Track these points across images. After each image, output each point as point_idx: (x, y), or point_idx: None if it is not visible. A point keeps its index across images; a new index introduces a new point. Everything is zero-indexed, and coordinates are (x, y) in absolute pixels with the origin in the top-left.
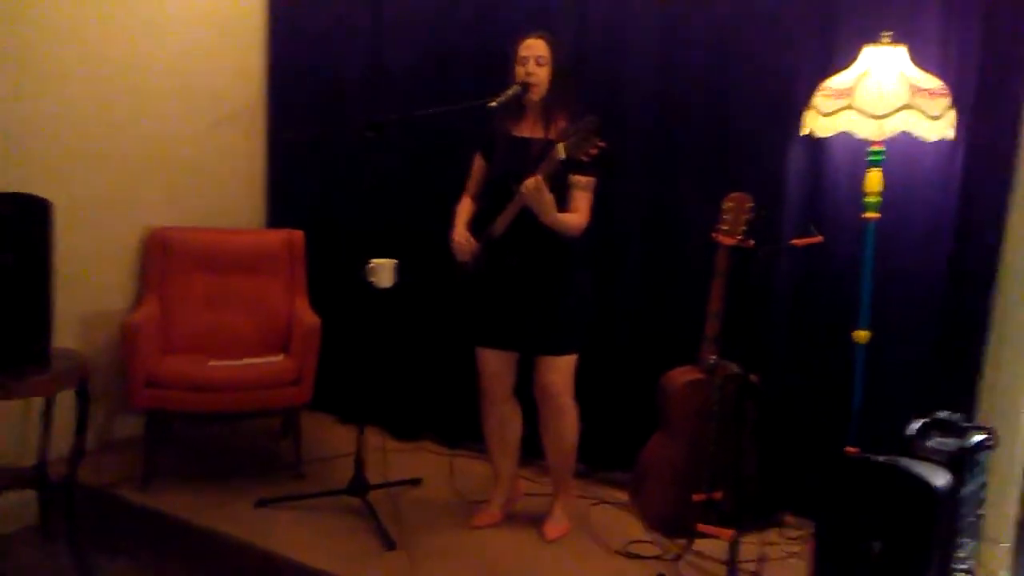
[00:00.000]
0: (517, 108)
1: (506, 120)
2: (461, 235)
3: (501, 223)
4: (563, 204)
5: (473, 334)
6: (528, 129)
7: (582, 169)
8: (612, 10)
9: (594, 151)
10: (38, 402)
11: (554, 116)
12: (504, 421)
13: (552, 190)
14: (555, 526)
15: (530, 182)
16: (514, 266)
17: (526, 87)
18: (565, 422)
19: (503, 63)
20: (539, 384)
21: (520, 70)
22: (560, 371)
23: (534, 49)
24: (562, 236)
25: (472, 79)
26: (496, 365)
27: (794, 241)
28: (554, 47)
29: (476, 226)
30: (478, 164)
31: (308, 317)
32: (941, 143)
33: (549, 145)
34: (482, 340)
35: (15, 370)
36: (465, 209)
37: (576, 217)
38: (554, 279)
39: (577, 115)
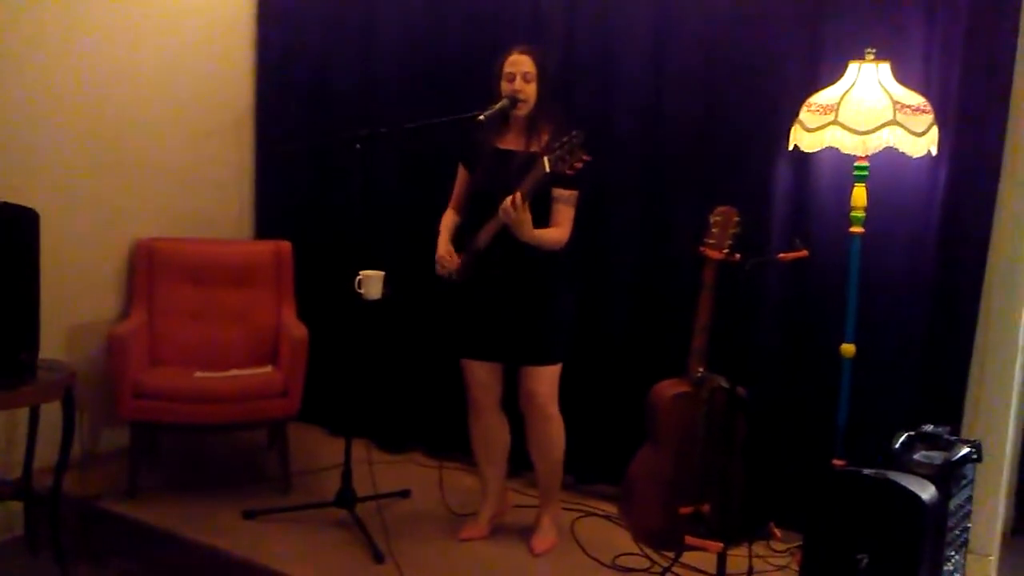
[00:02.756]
0: (501, 121)
1: (489, 132)
2: (444, 250)
3: (484, 236)
4: (545, 217)
5: (458, 346)
6: (512, 142)
7: (565, 183)
8: (600, 24)
9: (579, 164)
10: (24, 413)
11: (538, 129)
12: (491, 432)
13: (534, 203)
14: (542, 539)
15: (507, 203)
16: (496, 277)
17: (514, 102)
18: (551, 431)
19: (492, 74)
20: (524, 394)
21: (506, 86)
22: (544, 381)
23: (521, 65)
24: (543, 249)
25: (461, 91)
26: (482, 376)
27: (780, 255)
28: (540, 62)
29: (460, 238)
30: (461, 176)
31: (296, 329)
32: (925, 159)
33: (531, 158)
34: (467, 352)
35: (1, 381)
36: (449, 222)
37: (557, 231)
38: (537, 290)
39: (561, 127)
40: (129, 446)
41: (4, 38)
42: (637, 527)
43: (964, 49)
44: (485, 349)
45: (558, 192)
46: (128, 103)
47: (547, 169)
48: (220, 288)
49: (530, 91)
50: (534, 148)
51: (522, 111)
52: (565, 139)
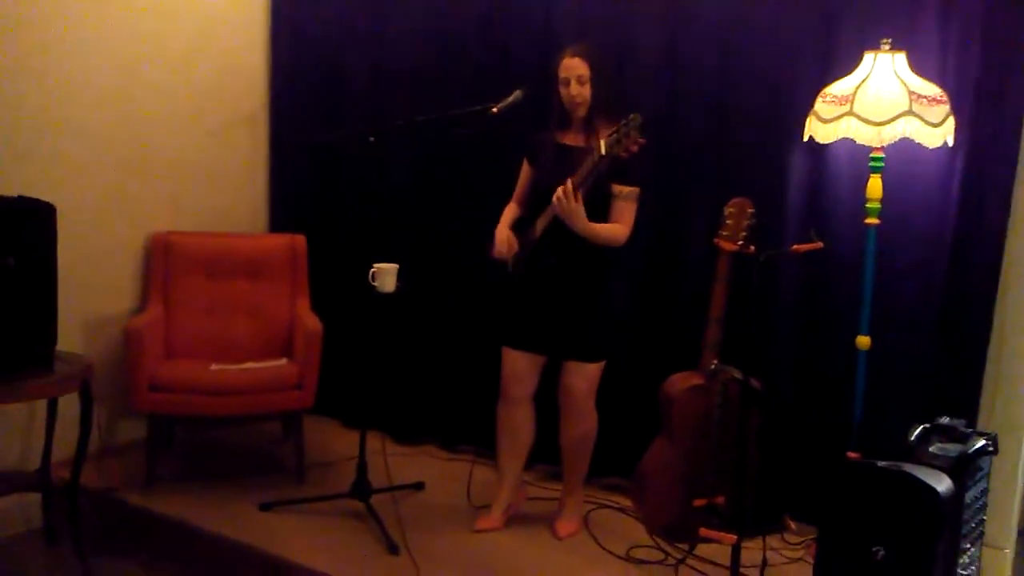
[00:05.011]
0: (563, 117)
1: (553, 128)
2: (503, 232)
3: (539, 225)
4: (604, 213)
5: (503, 334)
6: (572, 138)
7: (624, 178)
8: (612, 17)
9: (634, 148)
10: (41, 405)
11: (595, 126)
12: (518, 424)
13: (593, 199)
14: (567, 524)
15: (559, 192)
16: (551, 266)
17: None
18: (586, 427)
19: (506, 68)
20: (565, 388)
21: (564, 91)
22: (587, 377)
23: (574, 69)
24: (599, 244)
25: (475, 84)
26: (521, 367)
27: (795, 247)
28: (593, 61)
29: (518, 230)
30: (524, 171)
31: (310, 321)
32: (941, 149)
33: (589, 152)
34: (512, 341)
35: (19, 373)
36: (509, 214)
37: (617, 228)
38: (590, 285)
39: (619, 118)
40: (146, 438)
41: (22, 35)
42: (651, 519)
43: (980, 39)
44: (530, 340)
45: (617, 188)
46: (143, 98)
47: (603, 152)
48: (235, 281)
49: (586, 92)
50: (592, 144)
51: (581, 112)
52: (623, 122)
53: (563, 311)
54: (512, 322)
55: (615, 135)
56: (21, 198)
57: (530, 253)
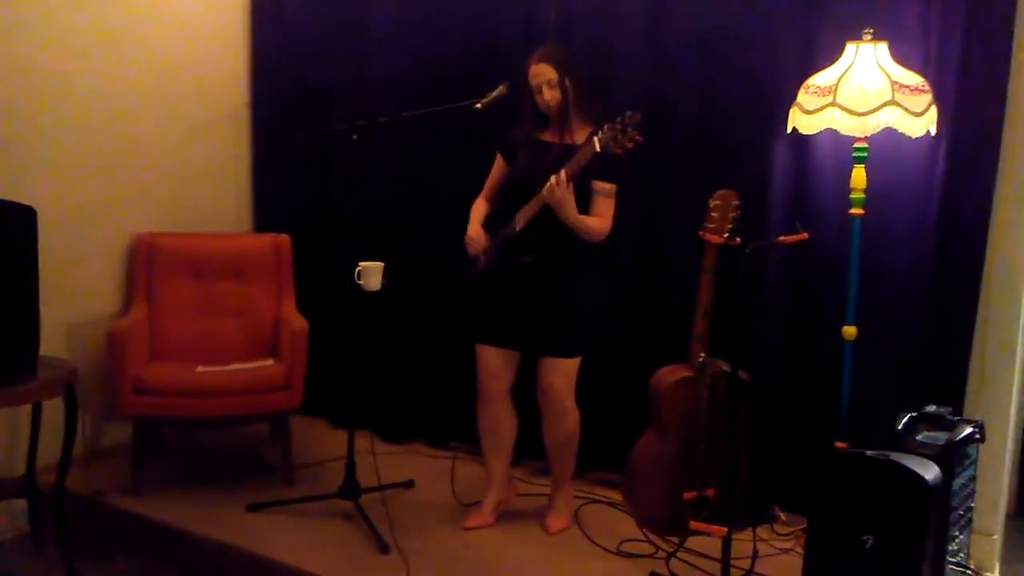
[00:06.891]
0: (539, 114)
1: (530, 124)
2: (475, 231)
3: (521, 219)
4: (584, 210)
5: (476, 331)
6: (549, 134)
7: (604, 175)
8: (596, 13)
9: (630, 144)
10: (26, 410)
11: (570, 123)
12: (499, 421)
13: (573, 194)
14: (557, 519)
15: (552, 180)
16: (529, 263)
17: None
18: (568, 424)
19: (489, 66)
20: (542, 386)
21: (538, 98)
22: (564, 374)
23: (542, 75)
24: (579, 238)
25: (458, 82)
26: (496, 363)
27: (781, 238)
28: (560, 63)
29: (489, 226)
30: (497, 166)
31: (296, 321)
32: (925, 139)
33: (568, 149)
34: (485, 338)
35: (2, 378)
36: (479, 210)
37: (599, 221)
38: (568, 281)
39: (597, 117)
40: (132, 441)
41: (1, 37)
42: (641, 513)
43: (962, 28)
44: (504, 336)
45: (598, 185)
46: (125, 99)
47: (597, 148)
48: (220, 282)
49: (557, 96)
50: (567, 140)
51: (555, 113)
52: (619, 119)
53: (540, 308)
54: (485, 318)
55: (611, 132)
56: (1, 202)
57: (507, 249)
